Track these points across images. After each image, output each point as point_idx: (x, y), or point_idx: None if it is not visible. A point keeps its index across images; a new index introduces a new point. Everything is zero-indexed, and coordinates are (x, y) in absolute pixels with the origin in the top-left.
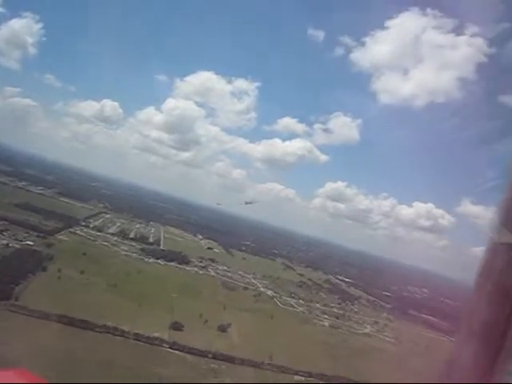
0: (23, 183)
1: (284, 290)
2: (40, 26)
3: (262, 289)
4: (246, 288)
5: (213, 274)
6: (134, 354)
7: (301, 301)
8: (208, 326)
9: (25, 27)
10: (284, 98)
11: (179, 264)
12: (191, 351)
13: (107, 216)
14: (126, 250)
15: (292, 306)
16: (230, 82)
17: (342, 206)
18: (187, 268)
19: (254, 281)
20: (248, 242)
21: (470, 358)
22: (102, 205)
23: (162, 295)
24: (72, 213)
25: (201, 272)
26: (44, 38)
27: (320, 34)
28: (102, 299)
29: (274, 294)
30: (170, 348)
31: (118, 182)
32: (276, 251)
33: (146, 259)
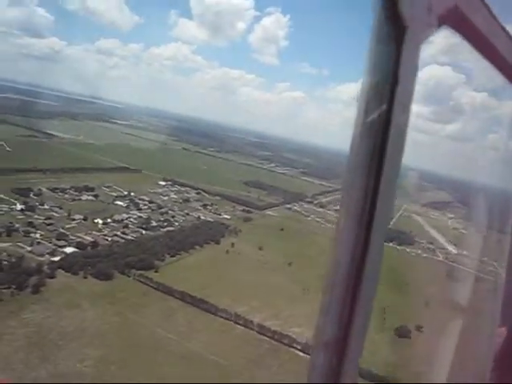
0: (271, 165)
1: None
2: (287, 18)
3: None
4: (478, 279)
5: (441, 258)
6: (241, 350)
7: None
8: (385, 325)
9: (274, 22)
10: None
11: (399, 245)
12: None
13: None
14: None
15: None
16: None
17: None
18: (407, 249)
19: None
20: None
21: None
22: None
23: None
24: (302, 190)
25: (424, 255)
26: (292, 29)
27: None
28: (258, 278)
29: None
30: (301, 351)
31: None
32: None
33: None
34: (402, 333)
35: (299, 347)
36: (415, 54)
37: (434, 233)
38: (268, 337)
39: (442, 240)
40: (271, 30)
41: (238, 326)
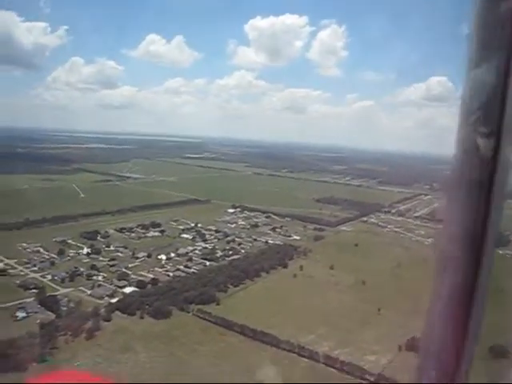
0: (346, 178)
1: None
2: (343, 28)
3: None
4: None
5: None
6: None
7: None
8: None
9: (331, 34)
10: None
11: None
12: None
13: (425, 198)
14: (421, 235)
15: None
16: None
17: None
18: (500, 251)
19: None
20: None
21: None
22: (427, 186)
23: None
24: (379, 200)
25: None
26: (349, 39)
27: None
28: (327, 301)
29: None
30: None
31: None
32: None
33: None
34: (498, 353)
35: (372, 379)
36: None
37: None
38: (336, 368)
39: None
40: (329, 43)
41: (303, 359)
